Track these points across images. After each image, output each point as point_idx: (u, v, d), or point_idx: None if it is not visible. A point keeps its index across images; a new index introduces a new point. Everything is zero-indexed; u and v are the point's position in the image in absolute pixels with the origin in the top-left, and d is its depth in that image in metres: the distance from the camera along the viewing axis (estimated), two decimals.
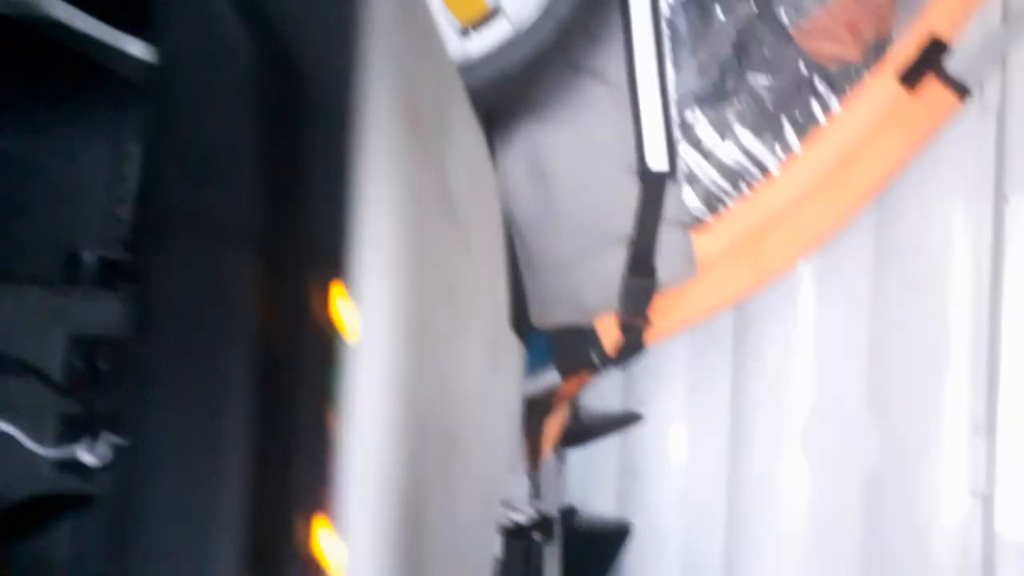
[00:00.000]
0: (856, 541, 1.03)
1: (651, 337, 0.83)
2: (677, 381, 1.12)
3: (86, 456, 0.50)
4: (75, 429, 0.51)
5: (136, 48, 0.70)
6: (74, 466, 0.51)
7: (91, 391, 0.51)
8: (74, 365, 0.51)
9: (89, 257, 0.60)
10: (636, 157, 0.76)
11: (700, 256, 0.80)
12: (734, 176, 0.79)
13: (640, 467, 1.16)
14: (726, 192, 0.79)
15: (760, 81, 0.79)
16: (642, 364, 1.13)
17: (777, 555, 1.10)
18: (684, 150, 0.79)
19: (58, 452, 0.49)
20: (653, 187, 0.76)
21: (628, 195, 0.77)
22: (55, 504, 0.55)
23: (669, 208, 0.77)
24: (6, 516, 0.51)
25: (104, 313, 0.52)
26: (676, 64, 0.76)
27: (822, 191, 0.78)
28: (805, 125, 0.78)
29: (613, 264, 0.78)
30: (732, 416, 1.10)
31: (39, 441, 0.49)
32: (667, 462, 1.14)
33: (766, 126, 0.78)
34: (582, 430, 1.14)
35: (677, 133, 0.78)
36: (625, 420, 1.15)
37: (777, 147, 0.79)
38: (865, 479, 1.05)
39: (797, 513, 1.07)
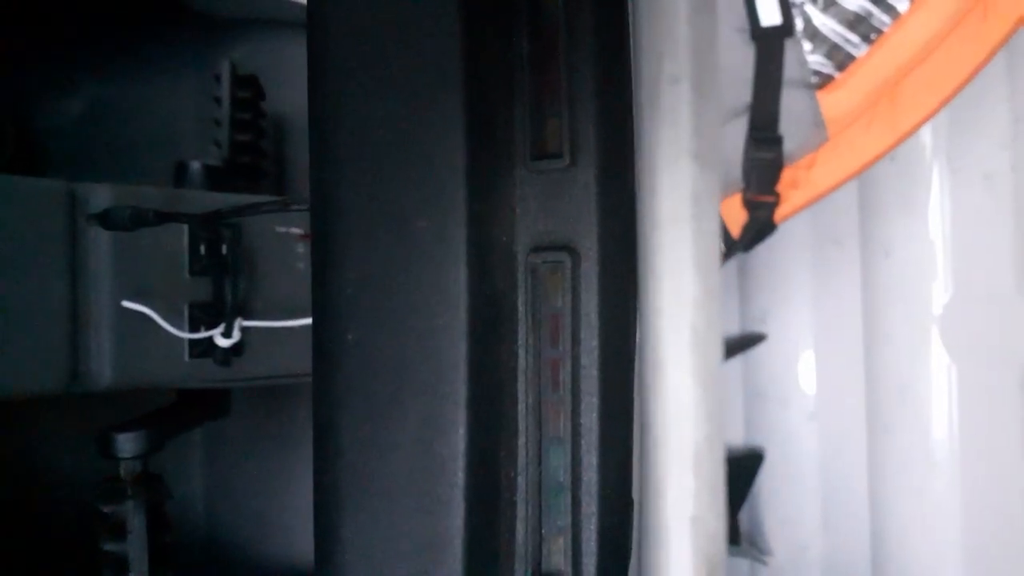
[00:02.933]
0: (1016, 440, 0.95)
1: (781, 214, 0.77)
2: (799, 292, 1.06)
3: (221, 340, 0.48)
4: (207, 315, 0.49)
5: None
6: (209, 351, 0.49)
7: (217, 275, 0.49)
8: (198, 250, 0.48)
9: (195, 165, 0.59)
10: (746, 14, 0.70)
11: (829, 118, 0.74)
12: (859, 23, 0.73)
13: (768, 389, 1.10)
14: (852, 43, 0.73)
15: None
16: (760, 278, 1.08)
17: (926, 467, 1.02)
18: (804, 5, 0.74)
19: (193, 334, 0.47)
20: (769, 46, 0.70)
21: (742, 59, 0.71)
22: (193, 404, 0.53)
23: (789, 69, 0.72)
24: (154, 413, 0.50)
25: (218, 203, 0.50)
26: None
27: (959, 25, 0.71)
28: None
29: (733, 138, 0.73)
30: (864, 321, 1.03)
31: (174, 326, 0.47)
32: (796, 381, 1.08)
33: None
34: None
35: None
36: (747, 342, 1.10)
37: None
38: (1021, 372, 0.96)
39: (945, 418, 1.00)
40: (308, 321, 0.52)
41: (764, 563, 1.11)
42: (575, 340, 0.25)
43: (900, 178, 0.94)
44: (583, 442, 0.25)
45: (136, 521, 0.45)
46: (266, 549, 0.75)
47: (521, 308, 0.25)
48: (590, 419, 0.25)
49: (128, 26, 0.78)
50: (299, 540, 0.72)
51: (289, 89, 0.76)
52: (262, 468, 0.74)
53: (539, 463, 0.25)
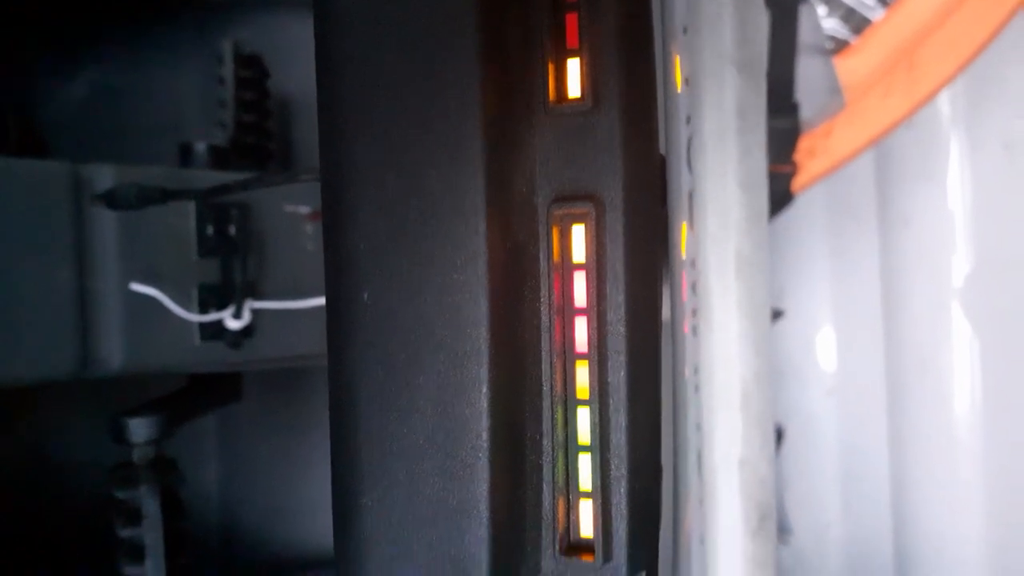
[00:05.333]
0: None
1: (799, 184, 0.76)
2: (816, 267, 1.04)
3: (232, 321, 0.47)
4: (217, 297, 0.48)
5: None
6: (220, 334, 0.48)
7: (226, 257, 0.48)
8: (205, 232, 0.47)
9: (200, 146, 0.58)
10: None
11: (846, 84, 0.72)
12: None
13: (786, 366, 1.09)
14: (868, 6, 0.71)
15: None
16: (776, 251, 1.06)
17: (948, 441, 1.01)
18: None
19: (204, 317, 0.46)
20: (783, 12, 0.69)
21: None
22: (205, 388, 0.52)
23: (805, 34, 0.70)
24: (167, 397, 0.49)
25: (223, 183, 0.49)
26: None
27: None
28: None
29: None
30: (883, 295, 1.01)
31: (184, 308, 0.46)
32: (814, 357, 1.07)
33: None
34: None
35: None
36: None
37: None
38: None
39: (967, 391, 0.98)
40: (318, 301, 0.52)
41: (784, 542, 1.10)
42: (600, 295, 0.23)
43: (918, 148, 0.92)
44: (610, 402, 0.24)
45: (151, 506, 0.45)
46: (281, 535, 0.74)
47: (543, 262, 0.24)
48: (617, 378, 0.23)
49: (130, 9, 0.77)
50: (314, 525, 0.72)
51: (294, 69, 0.75)
52: (276, 454, 0.73)
53: (565, 425, 0.24)
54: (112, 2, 0.76)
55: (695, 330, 0.26)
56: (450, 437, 0.23)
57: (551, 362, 0.24)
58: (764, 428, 0.25)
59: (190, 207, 0.48)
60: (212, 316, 0.47)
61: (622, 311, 0.23)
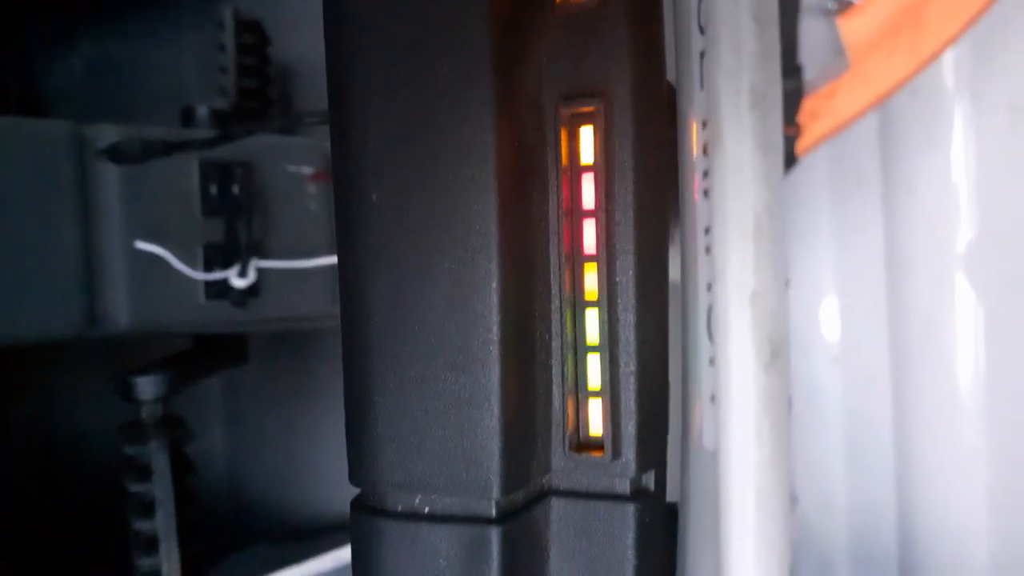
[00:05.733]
0: None
1: (803, 146, 0.75)
2: (820, 236, 1.04)
3: (237, 280, 0.47)
4: (222, 256, 0.48)
5: None
6: (225, 292, 0.48)
7: (230, 216, 0.48)
8: (209, 190, 0.47)
9: (202, 110, 0.58)
10: None
11: (850, 44, 0.72)
12: None
13: (790, 335, 1.08)
14: None
15: None
16: None
17: (952, 409, 1.01)
18: None
19: (209, 275, 0.47)
20: None
21: None
22: (211, 348, 0.52)
23: None
24: (174, 356, 0.49)
25: (228, 145, 0.49)
26: None
27: None
28: None
29: None
30: (887, 262, 1.01)
31: (190, 267, 0.46)
32: (818, 326, 1.07)
33: None
34: None
35: None
36: None
37: None
38: None
39: (971, 358, 0.98)
40: (323, 261, 0.52)
41: (790, 511, 1.11)
42: (609, 196, 0.23)
43: (922, 113, 0.92)
44: (619, 302, 0.24)
45: (160, 461, 0.45)
46: (288, 498, 0.75)
47: (551, 163, 0.24)
48: (625, 278, 0.24)
49: None
50: (322, 488, 0.73)
51: (294, 36, 0.74)
52: (282, 418, 0.74)
53: (573, 325, 0.24)
54: None
55: (710, 186, 0.26)
56: (461, 332, 0.23)
57: (560, 263, 0.24)
58: (776, 261, 0.25)
59: (193, 166, 0.48)
60: (217, 275, 0.47)
61: (630, 212, 0.23)
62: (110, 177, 0.45)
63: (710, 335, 0.29)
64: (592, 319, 0.24)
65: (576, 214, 0.24)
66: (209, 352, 0.53)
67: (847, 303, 1.07)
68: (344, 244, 0.24)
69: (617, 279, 0.24)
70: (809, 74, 0.71)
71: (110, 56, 0.78)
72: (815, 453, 1.12)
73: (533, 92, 0.24)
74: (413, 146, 0.23)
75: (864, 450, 1.11)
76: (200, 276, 0.47)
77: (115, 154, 0.42)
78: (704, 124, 0.27)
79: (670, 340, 0.26)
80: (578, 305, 0.24)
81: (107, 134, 0.45)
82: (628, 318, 0.24)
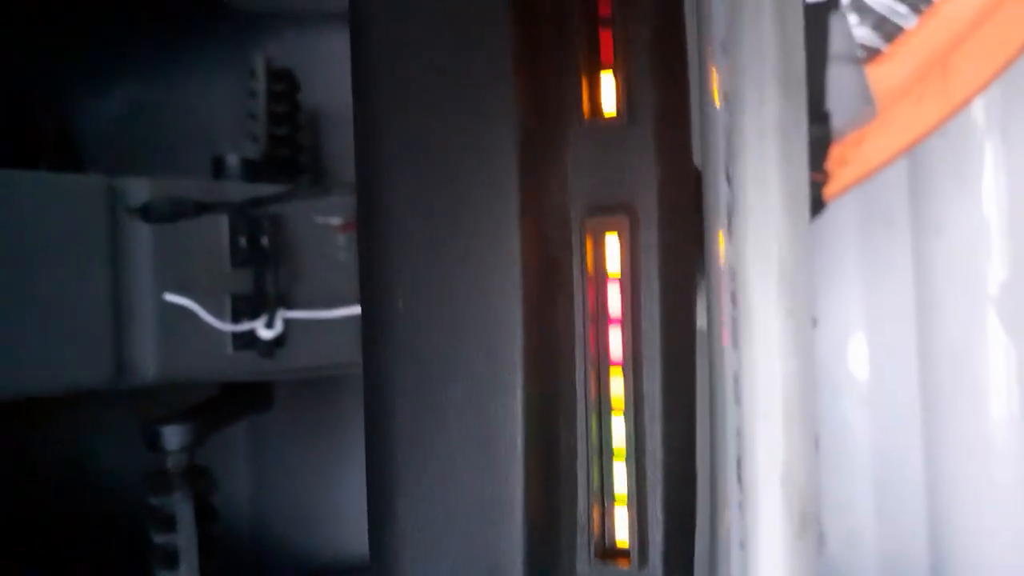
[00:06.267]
0: None
1: (831, 192, 0.75)
2: (849, 274, 1.03)
3: (264, 331, 0.48)
4: (249, 307, 0.49)
5: None
6: (252, 343, 0.49)
7: (259, 267, 0.49)
8: (238, 242, 0.48)
9: (232, 159, 0.59)
10: None
11: (878, 92, 0.71)
12: None
13: (819, 373, 1.07)
14: (900, 14, 0.70)
15: None
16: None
17: (984, 452, 0.99)
18: None
19: (236, 327, 0.47)
20: (814, 20, 0.68)
21: None
22: (237, 396, 0.53)
23: (836, 43, 0.69)
24: (200, 405, 0.50)
25: (256, 194, 0.50)
26: None
27: None
28: None
29: None
30: (917, 302, 1.00)
31: (217, 318, 0.47)
32: (846, 366, 1.06)
33: None
34: None
35: None
36: None
37: None
38: None
39: (1004, 401, 0.96)
40: (350, 311, 0.52)
41: (818, 553, 1.09)
42: (635, 305, 0.24)
43: (952, 153, 0.91)
44: (646, 410, 0.24)
45: (184, 513, 0.45)
46: (311, 541, 0.75)
47: (577, 271, 0.24)
48: (652, 387, 0.24)
49: (164, 22, 0.78)
50: (345, 531, 0.73)
51: (325, 81, 0.76)
52: (307, 459, 0.74)
53: (599, 432, 0.24)
54: (147, 15, 0.77)
55: (735, 341, 0.26)
56: (484, 439, 0.23)
57: (585, 370, 0.24)
58: (806, 437, 0.25)
59: (223, 218, 0.49)
60: (244, 326, 0.48)
61: (657, 321, 0.24)
62: (141, 231, 0.46)
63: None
64: (618, 426, 0.24)
65: (602, 321, 0.24)
66: (235, 399, 0.53)
67: (876, 342, 1.06)
68: (369, 347, 0.24)
69: (644, 388, 0.24)
70: (837, 121, 0.71)
71: (143, 97, 0.79)
72: (844, 492, 1.11)
73: (559, 203, 0.24)
74: (439, 253, 0.23)
75: (894, 490, 1.09)
76: (228, 328, 0.48)
77: (147, 214, 0.43)
78: (732, 274, 0.27)
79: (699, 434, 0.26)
80: (604, 412, 0.24)
81: (139, 189, 0.46)
82: (655, 427, 0.24)
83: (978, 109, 0.88)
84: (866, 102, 0.72)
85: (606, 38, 0.24)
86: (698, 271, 0.29)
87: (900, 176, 0.97)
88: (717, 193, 0.28)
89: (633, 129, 0.23)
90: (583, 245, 0.24)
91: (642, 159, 0.23)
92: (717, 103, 0.27)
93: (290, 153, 0.68)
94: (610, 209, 0.24)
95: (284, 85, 0.68)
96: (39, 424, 0.64)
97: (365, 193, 0.24)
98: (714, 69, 0.27)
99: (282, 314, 0.49)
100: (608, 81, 0.24)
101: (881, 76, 0.72)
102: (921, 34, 0.71)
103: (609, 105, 0.24)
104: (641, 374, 0.24)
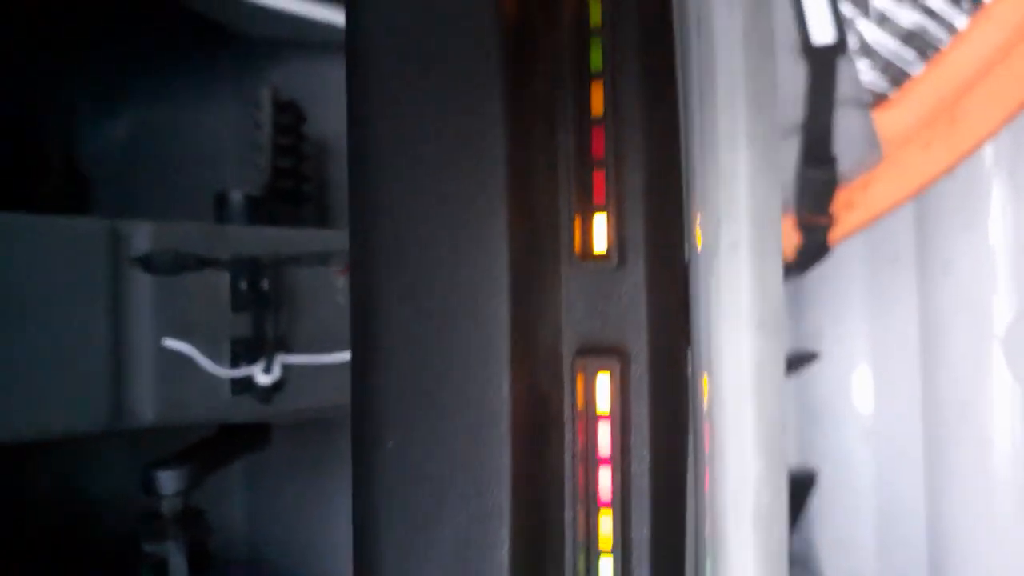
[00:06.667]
0: None
1: (836, 236, 0.75)
2: (854, 310, 1.03)
3: (262, 377, 0.48)
4: (248, 351, 0.48)
5: None
6: (250, 388, 0.48)
7: (258, 311, 0.48)
8: (239, 286, 0.48)
9: (236, 196, 0.59)
10: (797, 32, 0.68)
11: (885, 137, 0.71)
12: (915, 39, 0.70)
13: (821, 409, 1.07)
14: (908, 61, 0.70)
15: None
16: (812, 295, 1.05)
17: (987, 492, 0.98)
18: (856, 21, 0.71)
19: (234, 372, 0.47)
20: (821, 64, 0.68)
21: (794, 78, 0.69)
22: (234, 438, 0.53)
23: (843, 87, 0.69)
24: (196, 447, 0.49)
25: (259, 239, 0.50)
26: None
27: (1021, 41, 0.68)
28: None
29: (785, 158, 0.71)
30: (921, 340, 0.99)
31: (215, 363, 0.46)
32: (851, 401, 1.05)
33: None
34: None
35: (845, 3, 0.70)
36: (800, 361, 1.07)
37: (964, 1, 0.69)
38: None
39: (1008, 441, 0.96)
40: (348, 356, 0.52)
41: None
42: (624, 448, 0.23)
43: (959, 192, 0.90)
44: (633, 553, 0.23)
45: (178, 560, 0.45)
46: (306, 570, 0.74)
47: (568, 412, 0.24)
48: (641, 531, 0.23)
49: (170, 48, 0.78)
50: (341, 566, 0.72)
51: (331, 109, 0.76)
52: (302, 494, 0.74)
53: (587, 572, 0.24)
54: (152, 42, 0.78)
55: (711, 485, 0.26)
56: None
57: (574, 510, 0.24)
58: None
59: (223, 263, 0.49)
60: (242, 371, 0.48)
61: (647, 462, 0.23)
62: (142, 276, 0.46)
63: None
64: (606, 568, 0.24)
65: (591, 461, 0.24)
66: (232, 439, 0.53)
67: (881, 376, 1.05)
68: (359, 490, 0.24)
69: (632, 531, 0.24)
70: (843, 165, 0.70)
71: (150, 123, 0.79)
72: (845, 528, 1.10)
73: (551, 341, 0.24)
74: (430, 397, 0.23)
75: (896, 526, 1.08)
76: (226, 373, 0.47)
77: (148, 265, 0.43)
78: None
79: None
80: (592, 553, 0.24)
81: (142, 233, 0.46)
82: (642, 571, 0.24)
83: (986, 148, 0.87)
84: (873, 146, 0.72)
85: (599, 179, 0.24)
86: (688, 411, 0.28)
87: (907, 213, 0.97)
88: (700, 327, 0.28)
89: (625, 271, 0.23)
90: (574, 384, 0.24)
91: (633, 301, 0.23)
92: (698, 244, 0.27)
93: (294, 184, 0.68)
94: (601, 349, 0.24)
95: (289, 117, 0.68)
96: (34, 452, 0.64)
97: (358, 338, 0.24)
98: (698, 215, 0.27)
99: (280, 359, 0.49)
100: (600, 221, 0.24)
101: (888, 121, 0.72)
102: (929, 80, 0.71)
103: (600, 245, 0.24)
104: (630, 516, 0.23)
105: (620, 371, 0.23)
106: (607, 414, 0.24)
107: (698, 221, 0.25)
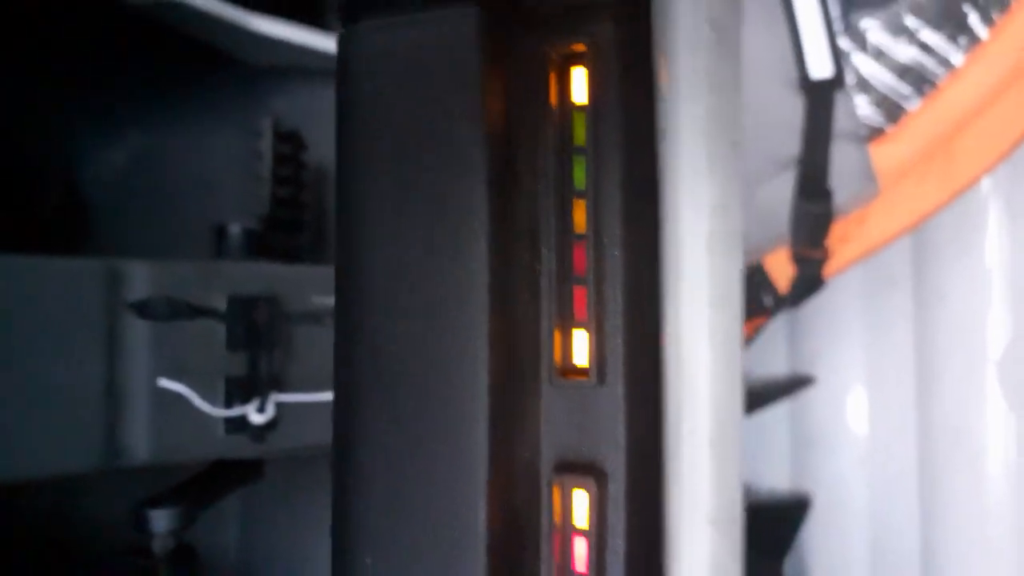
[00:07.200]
0: None
1: (831, 269, 0.75)
2: (851, 334, 1.03)
3: (255, 416, 0.48)
4: (242, 390, 0.49)
5: (263, 26, 0.69)
6: (244, 427, 0.49)
7: (253, 350, 0.49)
8: (235, 326, 0.48)
9: (234, 229, 0.59)
10: (796, 66, 0.68)
11: (881, 171, 0.71)
12: (913, 76, 0.71)
13: (816, 434, 1.07)
14: (904, 96, 0.71)
15: None
16: (809, 319, 1.05)
17: (981, 519, 0.99)
18: (853, 56, 0.71)
19: (228, 412, 0.47)
20: (819, 98, 0.68)
21: (791, 111, 0.69)
22: (228, 472, 0.53)
23: (840, 121, 0.69)
24: (189, 484, 0.50)
25: (256, 276, 0.50)
26: None
27: (1018, 79, 0.68)
28: (992, 9, 0.68)
29: (781, 191, 0.71)
30: (917, 366, 1.00)
31: (210, 402, 0.47)
32: (846, 425, 1.05)
33: (946, 17, 0.69)
34: (748, 398, 1.06)
35: (842, 38, 0.70)
36: (795, 384, 1.07)
37: (961, 38, 0.70)
38: None
39: (1002, 469, 0.96)
40: None
41: None
42: (600, 564, 0.24)
43: (956, 219, 0.91)
44: None
45: None
46: None
47: (544, 527, 0.24)
48: None
49: (172, 74, 0.79)
50: None
51: (330, 137, 0.76)
52: (296, 521, 0.74)
53: None
54: (154, 68, 0.78)
55: None
56: None
57: None
58: None
59: (220, 300, 0.49)
60: (236, 411, 0.48)
61: None
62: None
63: None
64: None
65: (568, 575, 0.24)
66: (225, 474, 0.53)
67: (876, 401, 1.06)
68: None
69: None
70: (839, 198, 0.71)
71: (151, 149, 0.80)
72: (839, 553, 1.10)
73: (528, 457, 0.24)
74: (408, 514, 0.23)
75: (890, 552, 1.08)
76: (219, 413, 0.48)
77: (143, 311, 0.43)
78: None
79: None
80: None
81: (138, 274, 0.46)
82: None
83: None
84: (869, 181, 0.72)
85: (580, 295, 0.24)
86: (663, 526, 0.29)
87: (903, 240, 0.97)
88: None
89: (604, 390, 0.24)
90: (551, 499, 0.24)
91: (612, 421, 0.23)
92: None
93: (293, 214, 0.68)
94: (579, 466, 0.24)
95: (290, 147, 0.68)
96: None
97: (340, 456, 0.25)
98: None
99: (275, 398, 0.49)
100: (580, 338, 0.24)
101: (884, 156, 0.72)
102: (925, 116, 0.71)
103: (581, 359, 0.24)
104: None
105: (597, 488, 0.23)
106: (584, 530, 0.24)
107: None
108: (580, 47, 0.24)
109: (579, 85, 0.25)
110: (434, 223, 0.23)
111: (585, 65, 0.24)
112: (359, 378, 0.24)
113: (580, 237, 0.24)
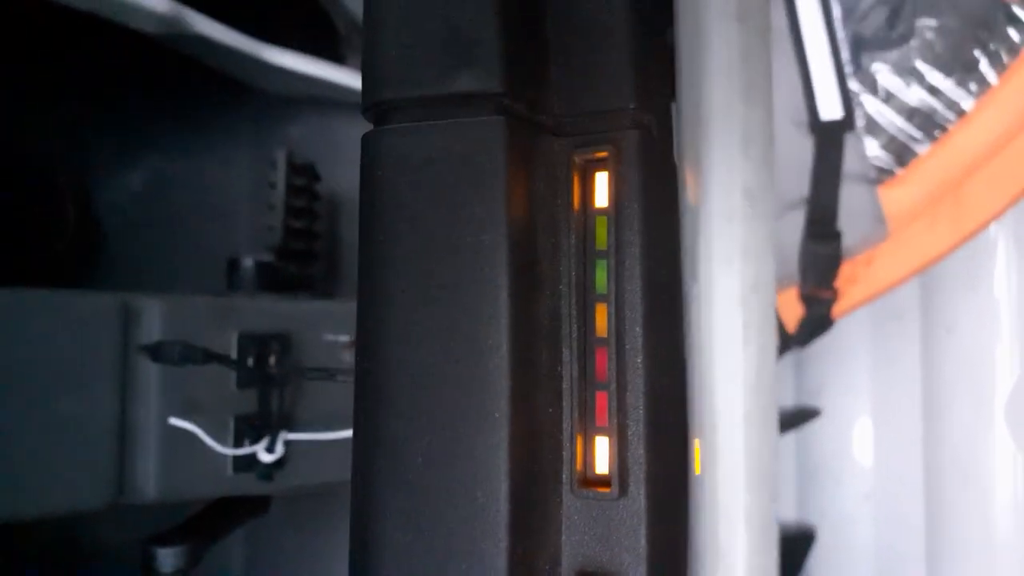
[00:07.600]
0: None
1: (839, 310, 0.75)
2: (857, 367, 1.03)
3: (265, 455, 0.48)
4: (252, 428, 0.49)
5: (279, 58, 0.70)
6: (252, 465, 0.49)
7: (264, 389, 0.49)
8: (246, 364, 0.48)
9: (247, 263, 0.60)
10: (806, 107, 0.68)
11: (890, 213, 0.71)
12: (923, 119, 0.71)
13: (821, 467, 1.07)
14: (915, 139, 0.71)
15: (940, 21, 0.71)
16: (816, 351, 1.05)
17: (987, 557, 0.98)
18: (863, 98, 0.72)
19: (238, 451, 0.47)
20: (829, 140, 0.69)
21: (801, 152, 0.69)
22: (234, 508, 0.53)
23: (850, 163, 0.70)
24: (196, 520, 0.50)
25: (268, 313, 0.50)
26: (844, 5, 0.69)
27: None
28: (1002, 55, 0.69)
29: (790, 231, 0.71)
30: (924, 400, 0.99)
31: (219, 441, 0.47)
32: (852, 459, 1.05)
33: (956, 61, 0.69)
34: None
35: (853, 80, 0.70)
36: (801, 417, 1.07)
37: (971, 83, 0.70)
38: None
39: (1009, 507, 0.95)
40: (350, 434, 0.52)
41: None
42: None
43: (964, 252, 0.90)
44: None
45: None
46: None
47: None
48: None
49: (189, 103, 0.79)
50: None
51: (345, 166, 0.77)
52: (302, 549, 0.74)
53: None
54: (172, 96, 0.79)
55: None
56: None
57: None
58: None
59: (232, 338, 0.49)
60: (246, 450, 0.48)
61: None
62: None
63: None
64: None
65: None
66: (231, 510, 0.54)
67: (882, 434, 1.05)
68: None
69: None
70: (848, 239, 0.71)
71: (166, 175, 0.80)
72: None
73: (548, 565, 0.24)
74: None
75: None
76: (229, 452, 0.48)
77: (156, 354, 0.43)
78: None
79: None
80: None
81: (151, 310, 0.47)
82: None
83: None
84: (878, 223, 0.72)
85: (602, 400, 0.24)
86: None
87: None
88: None
89: (626, 502, 0.24)
90: None
91: (634, 533, 0.24)
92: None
93: (306, 245, 0.69)
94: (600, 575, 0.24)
95: (304, 179, 0.69)
96: None
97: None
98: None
99: (284, 436, 0.49)
100: (603, 445, 0.24)
101: (894, 198, 0.72)
102: (935, 160, 0.72)
103: (603, 467, 0.24)
104: None
105: None
106: None
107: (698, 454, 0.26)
108: (603, 153, 0.25)
109: (601, 189, 0.25)
110: (454, 329, 0.23)
111: (607, 170, 0.24)
112: (377, 486, 0.24)
113: (602, 341, 0.24)
